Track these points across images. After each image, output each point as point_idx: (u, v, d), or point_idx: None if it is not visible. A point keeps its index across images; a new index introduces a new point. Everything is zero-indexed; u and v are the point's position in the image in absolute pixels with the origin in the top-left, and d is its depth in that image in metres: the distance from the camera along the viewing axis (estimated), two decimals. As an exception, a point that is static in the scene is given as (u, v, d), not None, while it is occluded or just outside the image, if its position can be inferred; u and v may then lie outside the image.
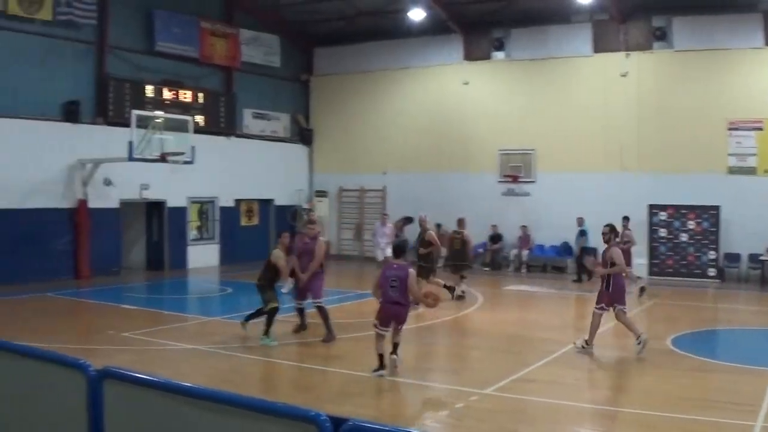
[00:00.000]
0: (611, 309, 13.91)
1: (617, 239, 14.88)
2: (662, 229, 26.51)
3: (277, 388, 11.36)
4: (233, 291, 21.94)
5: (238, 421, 4.97)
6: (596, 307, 14.02)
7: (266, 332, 14.34)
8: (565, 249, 27.80)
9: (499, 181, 29.36)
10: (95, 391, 6.02)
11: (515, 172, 28.98)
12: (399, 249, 13.14)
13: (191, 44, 28.24)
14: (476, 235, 28.59)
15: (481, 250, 28.92)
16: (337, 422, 4.02)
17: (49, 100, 23.88)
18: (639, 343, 13.61)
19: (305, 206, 32.32)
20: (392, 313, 12.67)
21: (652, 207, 26.44)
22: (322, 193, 33.44)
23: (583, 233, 25.80)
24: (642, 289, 21.27)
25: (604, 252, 14.16)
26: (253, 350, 13.87)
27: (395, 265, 12.73)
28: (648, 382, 12.11)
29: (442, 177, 30.06)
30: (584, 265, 23.40)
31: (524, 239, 28.16)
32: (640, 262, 26.26)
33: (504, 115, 29.32)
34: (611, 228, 14.37)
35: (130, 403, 5.90)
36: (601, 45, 27.71)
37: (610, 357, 14.20)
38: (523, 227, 27.47)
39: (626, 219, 22.89)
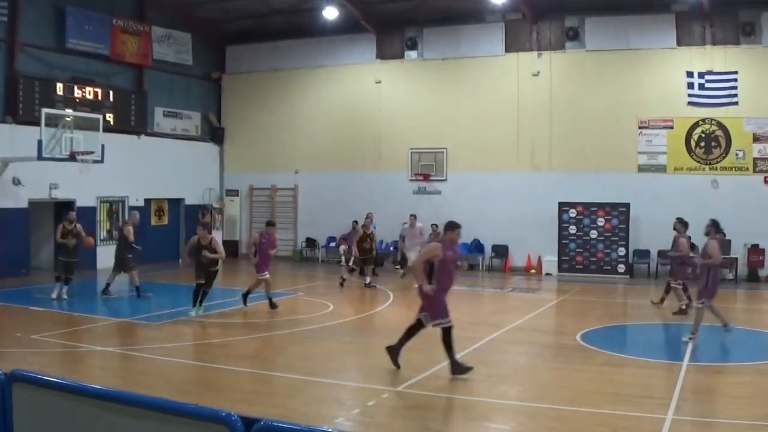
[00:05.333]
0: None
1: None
2: (572, 227, 26.97)
3: (188, 390, 11.17)
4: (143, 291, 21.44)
5: (149, 423, 4.88)
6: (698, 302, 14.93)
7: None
8: (476, 247, 28.26)
9: (410, 180, 29.56)
10: (3, 395, 5.86)
11: (426, 170, 29.21)
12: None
13: (102, 42, 27.68)
14: (388, 234, 28.74)
15: (392, 249, 29.18)
16: (249, 422, 3.97)
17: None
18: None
19: (215, 205, 31.99)
20: None
21: (561, 204, 26.91)
22: (233, 192, 33.17)
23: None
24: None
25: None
26: (163, 351, 13.67)
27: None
28: (558, 376, 12.29)
29: (354, 176, 30.13)
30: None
31: (435, 237, 28.16)
32: (549, 259, 26.74)
33: (416, 114, 29.54)
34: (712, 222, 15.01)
35: (40, 406, 5.76)
36: (513, 45, 28.16)
37: (522, 353, 14.39)
38: (434, 225, 27.47)
39: (680, 221, 19.16)
